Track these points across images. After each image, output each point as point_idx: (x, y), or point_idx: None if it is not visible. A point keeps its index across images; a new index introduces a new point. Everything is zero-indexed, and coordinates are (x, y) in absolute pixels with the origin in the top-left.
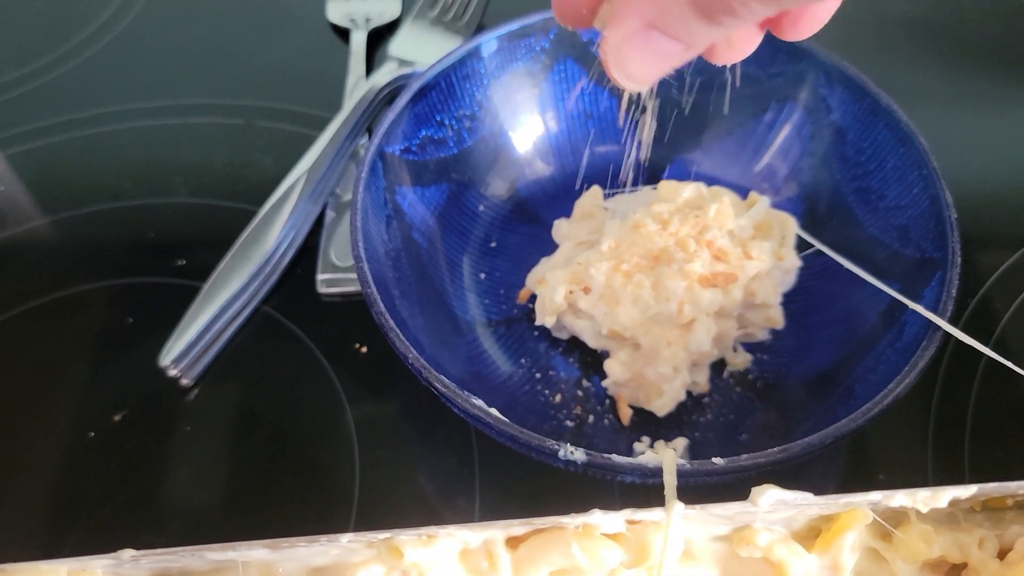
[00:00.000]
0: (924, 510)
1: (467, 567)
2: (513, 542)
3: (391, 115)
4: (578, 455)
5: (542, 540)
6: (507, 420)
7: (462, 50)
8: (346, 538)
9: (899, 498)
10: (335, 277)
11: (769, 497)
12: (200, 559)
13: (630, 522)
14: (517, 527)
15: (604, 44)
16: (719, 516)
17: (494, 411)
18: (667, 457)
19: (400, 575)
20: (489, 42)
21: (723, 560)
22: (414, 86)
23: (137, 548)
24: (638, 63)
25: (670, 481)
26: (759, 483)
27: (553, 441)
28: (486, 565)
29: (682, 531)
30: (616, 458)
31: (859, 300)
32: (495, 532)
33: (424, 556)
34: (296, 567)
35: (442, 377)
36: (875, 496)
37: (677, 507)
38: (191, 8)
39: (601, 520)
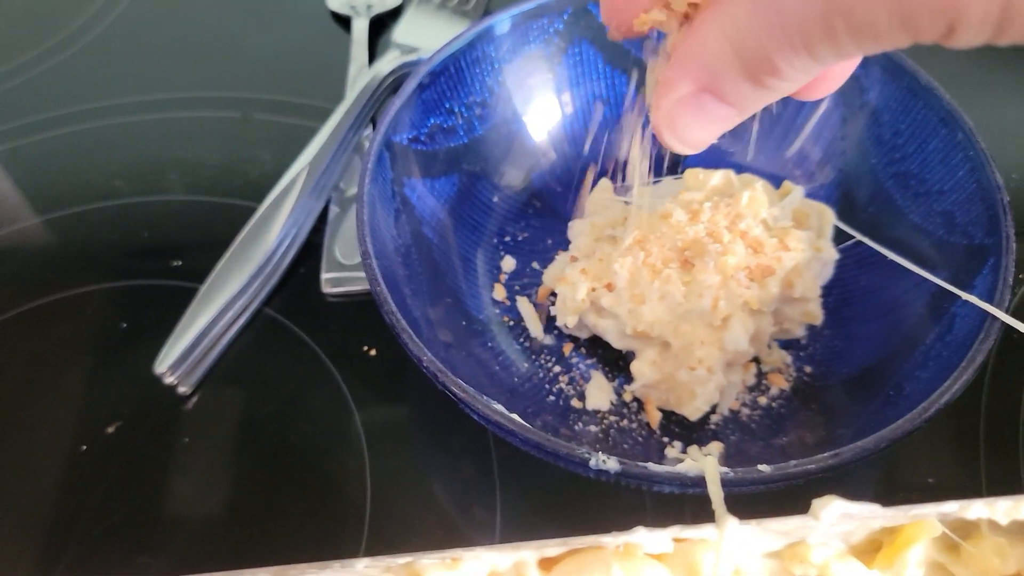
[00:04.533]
0: (1004, 522)
1: None
2: (547, 563)
3: (397, 102)
4: (611, 464)
5: (579, 561)
6: (531, 427)
7: (472, 32)
8: (362, 563)
9: (976, 508)
10: (340, 276)
11: (833, 510)
12: None
13: (677, 540)
14: (551, 547)
15: (655, 109)
16: (774, 531)
17: (516, 417)
18: (709, 466)
19: None
20: (501, 23)
21: None
22: (421, 71)
23: (133, 571)
24: (691, 127)
25: (717, 494)
26: (809, 491)
27: (584, 449)
28: None
29: (734, 549)
30: (652, 467)
31: (901, 292)
32: (527, 553)
33: None
34: None
35: (460, 381)
36: (949, 507)
37: (730, 523)
38: None
39: (646, 539)
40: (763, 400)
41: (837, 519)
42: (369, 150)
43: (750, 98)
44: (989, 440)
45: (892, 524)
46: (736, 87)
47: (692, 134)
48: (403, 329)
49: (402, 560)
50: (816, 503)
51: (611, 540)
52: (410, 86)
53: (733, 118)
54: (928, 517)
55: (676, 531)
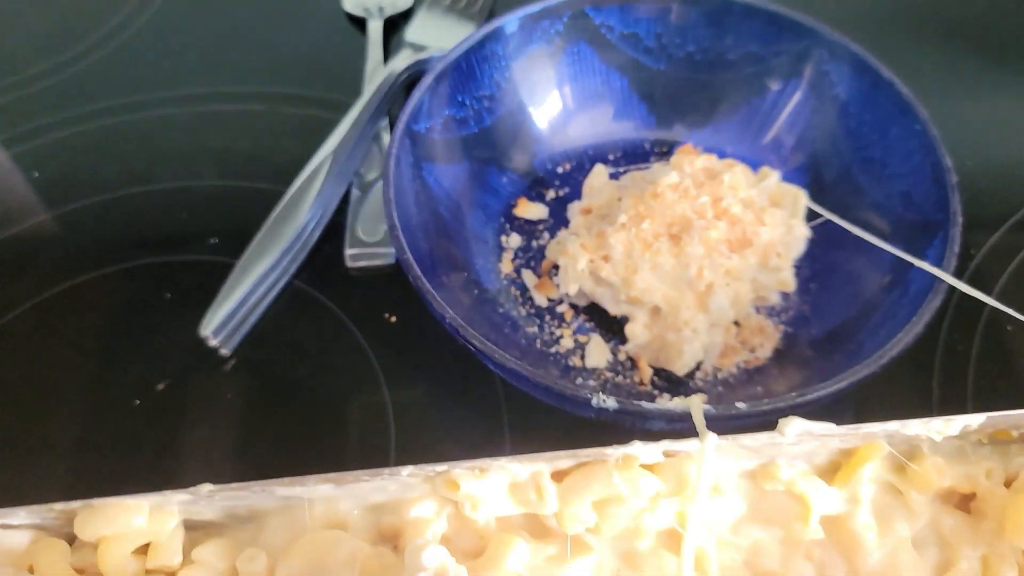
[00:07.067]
0: (938, 438)
1: (516, 499)
2: (558, 475)
3: (416, 95)
4: (610, 403)
5: (585, 472)
6: (541, 373)
7: (481, 32)
8: (406, 471)
9: (914, 427)
10: (362, 252)
11: (795, 427)
12: (270, 495)
13: (667, 454)
14: (563, 460)
15: None
16: (747, 448)
17: (527, 366)
18: (695, 401)
19: (452, 511)
20: (510, 23)
21: (750, 494)
22: (438, 67)
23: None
24: None
25: (699, 418)
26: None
27: (587, 390)
28: (534, 496)
29: (714, 462)
30: (646, 404)
31: (865, 264)
32: (542, 465)
33: (477, 488)
34: (356, 504)
35: (477, 334)
36: (892, 426)
37: (711, 438)
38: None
39: (640, 451)
40: (742, 357)
41: (799, 436)
42: (392, 138)
43: None
44: (941, 394)
45: (846, 445)
46: None
47: None
48: (427, 291)
49: (439, 468)
50: (782, 422)
51: (612, 452)
52: (427, 81)
53: None
54: (876, 435)
55: (666, 444)
